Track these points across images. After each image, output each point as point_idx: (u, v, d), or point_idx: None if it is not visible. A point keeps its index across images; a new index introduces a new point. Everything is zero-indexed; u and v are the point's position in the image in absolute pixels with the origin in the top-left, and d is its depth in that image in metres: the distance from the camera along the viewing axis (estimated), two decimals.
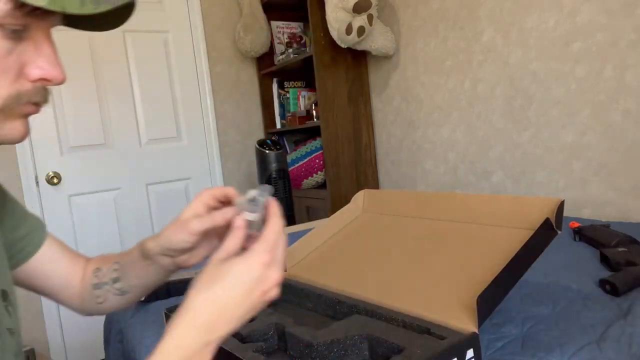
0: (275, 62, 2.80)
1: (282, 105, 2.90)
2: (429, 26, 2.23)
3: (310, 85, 2.84)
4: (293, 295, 0.93)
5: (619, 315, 0.78)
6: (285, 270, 1.02)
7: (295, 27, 2.91)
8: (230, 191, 0.61)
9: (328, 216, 1.40)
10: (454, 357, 0.61)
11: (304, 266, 1.00)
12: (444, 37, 2.17)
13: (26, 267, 0.70)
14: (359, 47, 2.32)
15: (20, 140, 0.53)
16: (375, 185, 2.63)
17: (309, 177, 2.58)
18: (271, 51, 2.83)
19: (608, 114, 1.62)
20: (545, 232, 0.72)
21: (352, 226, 1.07)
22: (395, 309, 0.74)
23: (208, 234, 0.62)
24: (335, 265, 0.95)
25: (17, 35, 0.46)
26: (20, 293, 0.68)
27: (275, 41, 2.83)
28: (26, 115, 0.52)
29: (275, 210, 0.54)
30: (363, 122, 2.57)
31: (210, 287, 0.49)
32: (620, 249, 1.08)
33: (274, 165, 2.33)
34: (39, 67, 0.49)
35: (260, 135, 2.96)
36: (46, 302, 2.29)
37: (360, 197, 1.13)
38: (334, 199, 2.45)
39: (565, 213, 1.70)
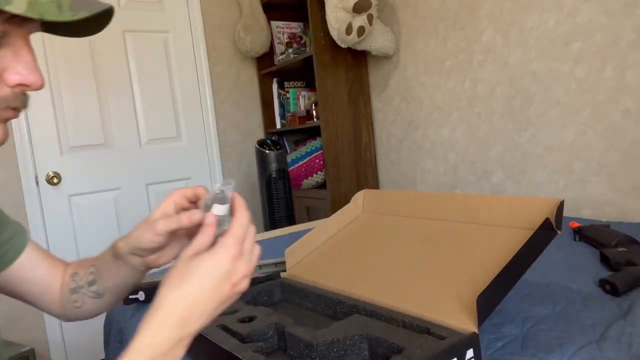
0: (275, 62, 2.80)
1: (282, 105, 2.90)
2: (429, 26, 2.24)
3: (310, 85, 2.84)
4: (293, 295, 0.93)
5: (619, 315, 0.78)
6: (286, 271, 1.02)
7: (295, 27, 2.91)
8: (201, 190, 0.61)
9: (328, 216, 1.40)
10: (454, 357, 0.61)
11: (304, 266, 1.00)
12: (444, 37, 2.17)
13: (7, 273, 0.69)
14: (359, 47, 2.32)
15: None
16: (375, 185, 2.63)
17: (309, 177, 2.58)
18: (271, 51, 2.83)
19: (608, 114, 1.62)
20: (545, 232, 0.72)
21: (352, 226, 1.07)
22: (395, 309, 0.74)
23: (178, 233, 0.63)
24: (335, 265, 0.95)
25: None
26: None
27: (275, 41, 2.83)
28: (5, 120, 0.53)
29: (240, 203, 0.55)
30: (363, 122, 2.57)
31: (181, 284, 0.50)
32: (620, 249, 1.08)
33: (274, 165, 2.33)
34: (17, 73, 0.50)
35: (260, 135, 2.96)
36: None
37: (360, 197, 1.13)
38: (334, 199, 2.45)
39: (565, 213, 1.69)
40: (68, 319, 0.75)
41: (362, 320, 0.72)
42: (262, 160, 2.35)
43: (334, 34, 2.20)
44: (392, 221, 1.01)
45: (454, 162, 2.22)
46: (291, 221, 2.37)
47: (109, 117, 2.52)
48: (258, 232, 2.73)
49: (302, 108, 2.80)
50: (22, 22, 0.47)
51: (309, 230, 1.11)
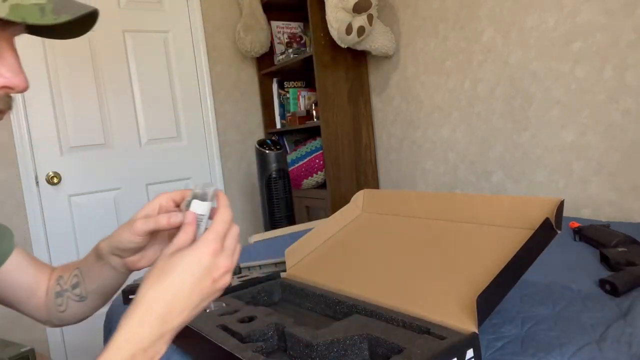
0: (275, 62, 2.80)
1: (282, 105, 2.90)
2: (429, 26, 2.24)
3: (310, 85, 2.84)
4: (293, 295, 0.93)
5: (619, 315, 0.78)
6: (285, 271, 1.02)
7: (295, 27, 2.91)
8: (189, 194, 0.61)
9: (328, 216, 1.40)
10: (453, 357, 0.61)
11: (304, 266, 1.00)
12: (444, 37, 2.17)
13: None
14: (359, 47, 2.32)
15: None
16: (375, 185, 2.63)
17: (309, 177, 2.58)
18: (271, 51, 2.83)
19: (608, 114, 1.62)
20: (545, 232, 0.72)
21: (352, 226, 1.07)
22: (395, 309, 0.74)
23: (159, 236, 0.63)
24: (335, 265, 0.95)
25: None
26: None
27: (275, 41, 2.83)
28: None
29: (224, 201, 0.55)
30: (363, 122, 2.57)
31: (162, 280, 0.50)
32: (620, 249, 1.08)
33: (274, 165, 2.33)
34: (1, 75, 0.50)
35: (260, 135, 2.96)
36: None
37: (360, 197, 1.13)
38: (334, 199, 2.45)
39: (565, 213, 1.70)
40: (53, 324, 0.75)
41: (362, 320, 0.71)
42: (262, 160, 2.35)
43: (334, 34, 2.20)
44: (392, 221, 1.01)
45: (454, 162, 2.22)
46: (291, 221, 2.37)
47: (109, 117, 2.52)
48: (258, 232, 2.73)
49: (302, 108, 2.80)
50: (5, 26, 0.47)
51: (309, 230, 1.11)
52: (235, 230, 0.55)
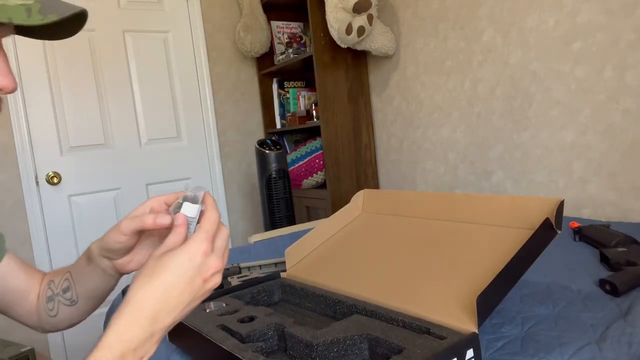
0: (275, 62, 2.80)
1: (282, 105, 2.90)
2: (429, 26, 2.24)
3: (310, 85, 2.84)
4: (293, 295, 0.93)
5: (619, 315, 0.78)
6: (285, 271, 1.02)
7: (295, 27, 2.91)
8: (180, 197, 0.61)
9: (328, 216, 1.40)
10: (454, 357, 0.60)
11: (304, 266, 1.00)
12: (444, 37, 2.17)
13: None
14: (359, 47, 2.32)
15: None
16: (375, 185, 2.63)
17: (309, 177, 2.58)
18: (271, 51, 2.83)
19: (608, 114, 1.62)
20: (545, 232, 0.72)
21: (352, 226, 1.07)
22: (395, 309, 0.74)
23: (149, 239, 0.63)
24: (335, 265, 0.95)
25: None
26: None
27: (275, 41, 2.83)
28: None
29: (211, 202, 0.55)
30: (363, 122, 2.57)
31: (152, 279, 0.49)
32: (620, 249, 1.08)
33: (274, 165, 2.33)
34: None
35: (260, 135, 2.96)
36: None
37: (360, 197, 1.13)
38: (334, 199, 2.45)
39: (565, 213, 1.70)
40: (44, 329, 0.74)
41: (362, 320, 0.71)
42: (262, 160, 2.35)
43: (334, 34, 2.20)
44: (392, 221, 1.01)
45: (454, 162, 2.22)
46: (291, 221, 2.37)
47: (109, 117, 2.52)
48: (258, 232, 2.73)
49: (302, 108, 2.80)
50: None
51: (309, 230, 1.11)
52: (225, 231, 0.55)
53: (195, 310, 0.82)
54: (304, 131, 2.91)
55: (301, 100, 2.82)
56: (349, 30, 2.14)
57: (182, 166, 2.73)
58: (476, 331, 0.64)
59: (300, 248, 1.03)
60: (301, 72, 2.88)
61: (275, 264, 1.26)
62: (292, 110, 2.82)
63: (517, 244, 0.72)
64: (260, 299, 0.94)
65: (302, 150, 2.63)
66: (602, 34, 1.60)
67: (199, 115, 2.78)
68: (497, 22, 1.94)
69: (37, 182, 2.35)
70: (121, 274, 0.68)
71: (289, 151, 2.83)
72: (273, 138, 2.60)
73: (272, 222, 2.36)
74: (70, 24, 0.51)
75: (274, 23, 2.83)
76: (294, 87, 2.88)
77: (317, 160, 2.54)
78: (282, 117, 2.90)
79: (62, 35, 0.54)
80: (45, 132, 2.37)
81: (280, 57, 2.74)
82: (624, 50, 1.55)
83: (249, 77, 2.94)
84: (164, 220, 0.57)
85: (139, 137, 2.61)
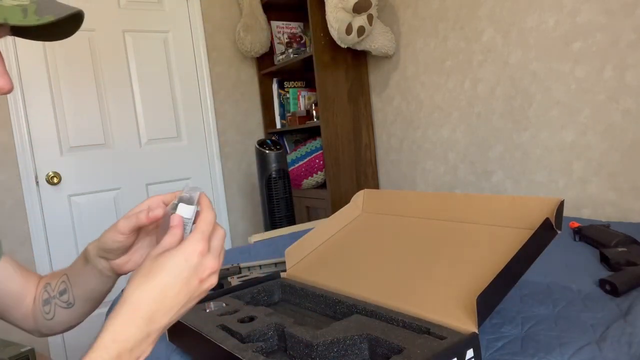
0: (275, 62, 2.80)
1: (282, 105, 2.90)
2: (429, 26, 2.24)
3: (310, 85, 2.84)
4: (293, 295, 0.93)
5: (619, 315, 0.78)
6: (285, 271, 1.02)
7: (295, 27, 2.91)
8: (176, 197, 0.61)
9: (328, 216, 1.40)
10: (454, 357, 0.60)
11: (304, 266, 1.00)
12: (444, 37, 2.17)
13: None
14: (359, 47, 2.32)
15: None
16: (375, 185, 2.63)
17: (309, 177, 2.58)
18: (271, 51, 2.83)
19: (608, 114, 1.62)
20: (545, 232, 0.72)
21: (352, 226, 1.07)
22: (395, 309, 0.74)
23: (146, 240, 0.63)
24: (335, 265, 0.95)
25: None
26: None
27: (275, 41, 2.83)
28: None
29: (207, 203, 0.55)
30: (363, 122, 2.57)
31: (149, 279, 0.49)
32: (620, 249, 1.08)
33: (274, 165, 2.33)
34: None
35: (260, 135, 2.96)
36: None
37: (360, 197, 1.13)
38: (334, 199, 2.45)
39: (565, 213, 1.70)
40: (41, 333, 0.73)
41: (362, 320, 0.71)
42: (262, 160, 2.35)
43: (334, 34, 2.20)
44: (392, 221, 1.01)
45: (454, 162, 2.22)
46: (291, 221, 2.37)
47: (109, 117, 2.52)
48: (258, 232, 2.73)
49: (302, 108, 2.80)
50: None
51: (309, 230, 1.11)
52: (221, 232, 0.55)
53: (195, 310, 0.82)
54: (304, 131, 2.91)
55: (301, 100, 2.82)
56: (349, 30, 2.14)
57: (182, 166, 2.73)
58: (476, 331, 0.64)
59: (300, 248, 1.03)
60: (301, 72, 2.88)
61: (275, 264, 1.26)
62: (292, 110, 2.82)
63: (517, 244, 0.72)
64: (260, 299, 0.94)
65: (302, 150, 2.63)
66: (602, 34, 1.60)
67: (199, 115, 2.78)
68: (497, 22, 1.94)
69: (37, 182, 2.35)
70: (118, 275, 0.67)
71: (289, 151, 2.83)
72: (273, 138, 2.60)
73: (272, 222, 2.36)
74: (66, 25, 0.51)
75: (274, 23, 2.83)
76: (294, 87, 2.88)
77: (317, 160, 2.54)
78: (282, 117, 2.90)
79: (59, 36, 0.54)
80: (45, 132, 2.37)
81: (280, 57, 2.74)
82: (624, 50, 1.55)
83: (249, 77, 2.94)
84: (157, 212, 0.57)
85: (139, 137, 2.61)
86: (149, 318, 0.48)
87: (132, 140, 2.59)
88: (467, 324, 0.65)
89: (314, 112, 2.62)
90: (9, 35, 0.51)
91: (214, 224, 0.54)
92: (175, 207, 0.55)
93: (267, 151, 2.34)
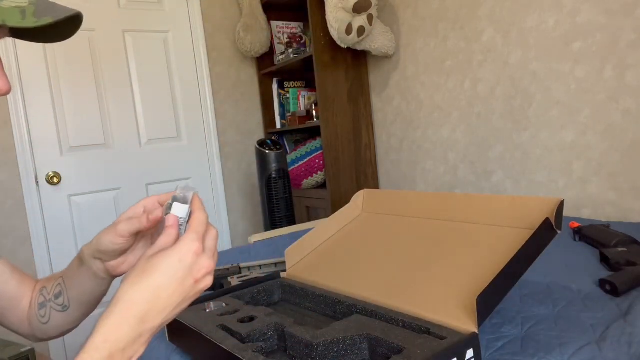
0: (275, 62, 2.80)
1: (282, 105, 2.90)
2: (429, 26, 2.24)
3: (310, 85, 2.84)
4: (293, 295, 0.93)
5: (619, 315, 0.78)
6: (285, 271, 1.02)
7: (295, 27, 2.91)
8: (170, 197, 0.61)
9: (328, 216, 1.40)
10: (454, 357, 0.60)
11: (304, 266, 1.00)
12: (444, 37, 2.17)
13: None
14: (359, 47, 2.32)
15: None
16: (375, 185, 2.63)
17: (309, 177, 2.58)
18: (271, 51, 2.83)
19: (608, 114, 1.62)
20: (545, 232, 0.72)
21: (352, 226, 1.07)
22: (395, 309, 0.74)
23: (142, 241, 0.63)
24: (335, 265, 0.95)
25: None
26: None
27: (275, 41, 2.83)
28: None
29: (198, 204, 0.55)
30: (363, 122, 2.57)
31: (143, 279, 0.49)
32: (620, 249, 1.08)
33: (274, 165, 2.33)
34: None
35: (260, 135, 2.96)
36: None
37: (360, 197, 1.13)
38: (334, 199, 2.45)
39: (565, 213, 1.70)
40: (37, 337, 0.73)
41: (362, 320, 0.71)
42: (262, 160, 2.35)
43: (334, 34, 2.20)
44: (392, 221, 1.01)
45: (454, 162, 2.22)
46: (291, 221, 2.37)
47: (109, 117, 2.52)
48: (258, 232, 2.73)
49: (302, 108, 2.80)
50: None
51: (309, 230, 1.11)
52: (214, 232, 0.54)
53: (195, 310, 0.82)
54: (304, 131, 2.91)
55: (301, 100, 2.82)
56: (349, 30, 2.14)
57: (182, 166, 2.73)
58: (476, 331, 0.64)
59: (300, 248, 1.03)
60: (301, 72, 2.88)
61: (275, 264, 1.26)
62: (292, 110, 2.82)
63: (517, 244, 0.72)
64: (260, 299, 0.94)
65: (302, 150, 2.63)
66: (602, 34, 1.60)
67: (199, 115, 2.78)
68: (497, 22, 1.94)
69: (37, 182, 2.35)
70: (113, 277, 0.67)
71: (289, 151, 2.83)
72: (273, 138, 2.60)
73: (272, 222, 2.36)
74: (65, 27, 0.51)
75: (274, 23, 2.83)
76: (294, 87, 2.88)
77: (317, 160, 2.54)
78: (282, 117, 2.90)
79: (57, 38, 0.54)
80: (45, 132, 2.37)
81: (280, 57, 2.74)
82: (624, 50, 1.55)
83: (249, 77, 2.94)
84: (157, 214, 0.57)
85: (139, 137, 2.61)
86: (141, 318, 0.47)
87: (132, 140, 2.59)
88: (467, 324, 0.65)
89: (314, 112, 2.62)
90: (8, 36, 0.51)
91: (207, 224, 0.54)
92: (169, 207, 0.55)
93: (267, 151, 2.34)
